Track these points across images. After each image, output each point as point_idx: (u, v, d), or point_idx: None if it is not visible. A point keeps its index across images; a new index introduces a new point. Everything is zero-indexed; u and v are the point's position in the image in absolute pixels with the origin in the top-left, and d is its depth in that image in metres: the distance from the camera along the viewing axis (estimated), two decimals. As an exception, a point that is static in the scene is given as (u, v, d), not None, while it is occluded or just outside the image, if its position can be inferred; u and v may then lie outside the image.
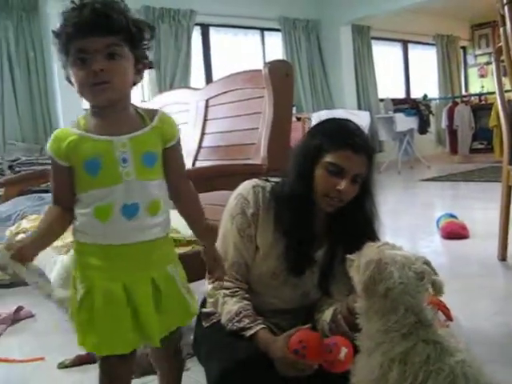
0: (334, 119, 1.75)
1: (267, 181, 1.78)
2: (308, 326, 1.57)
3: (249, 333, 1.60)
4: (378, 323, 1.31)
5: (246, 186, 1.76)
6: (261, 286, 1.75)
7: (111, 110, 1.34)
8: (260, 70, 2.43)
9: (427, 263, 1.36)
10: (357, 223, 1.67)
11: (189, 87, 4.34)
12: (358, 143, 1.59)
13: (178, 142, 1.45)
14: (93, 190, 1.33)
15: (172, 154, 1.43)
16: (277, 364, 1.50)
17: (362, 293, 1.35)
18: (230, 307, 1.66)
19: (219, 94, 2.89)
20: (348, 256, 1.47)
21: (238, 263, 1.72)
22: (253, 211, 1.71)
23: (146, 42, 1.38)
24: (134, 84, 1.39)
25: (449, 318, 2.31)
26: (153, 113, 1.41)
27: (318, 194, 1.63)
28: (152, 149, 1.37)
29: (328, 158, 1.60)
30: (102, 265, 1.35)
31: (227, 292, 1.69)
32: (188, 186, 1.48)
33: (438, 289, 1.35)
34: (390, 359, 1.26)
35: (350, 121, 1.70)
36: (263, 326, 1.62)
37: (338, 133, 1.64)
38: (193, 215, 1.49)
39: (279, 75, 2.38)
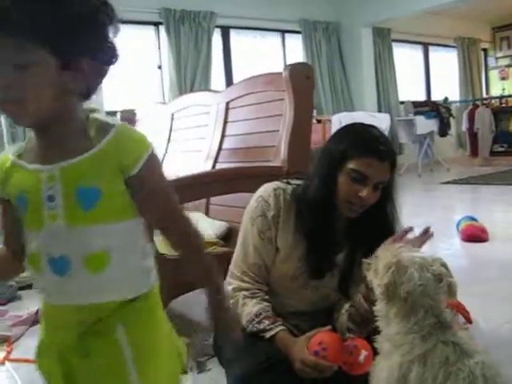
0: (358, 124, 1.75)
1: (288, 183, 1.79)
2: (328, 327, 1.58)
3: (269, 334, 1.61)
4: (398, 326, 1.32)
5: (266, 189, 1.76)
6: (280, 288, 1.75)
7: (43, 129, 1.00)
8: (280, 73, 2.43)
9: (444, 265, 1.36)
10: (377, 227, 1.68)
11: (209, 90, 4.37)
12: (383, 151, 1.60)
13: (152, 168, 1.02)
14: (26, 231, 1.03)
15: (141, 186, 1.01)
16: (296, 365, 1.51)
17: (382, 296, 1.35)
18: (250, 309, 1.66)
19: (240, 97, 2.91)
20: (364, 260, 1.48)
21: (258, 265, 1.72)
22: (273, 213, 1.71)
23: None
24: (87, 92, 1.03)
25: (468, 320, 2.31)
26: (106, 128, 0.99)
27: (340, 199, 1.64)
28: (92, 182, 0.97)
29: (352, 165, 1.59)
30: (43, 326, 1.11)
31: (247, 293, 1.69)
32: (179, 231, 1.11)
33: (452, 291, 1.35)
34: (409, 360, 1.26)
35: (375, 127, 1.70)
36: (283, 327, 1.63)
37: (363, 139, 1.63)
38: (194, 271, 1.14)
39: (300, 78, 2.39)
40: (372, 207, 1.65)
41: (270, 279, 1.75)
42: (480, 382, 1.19)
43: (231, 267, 1.79)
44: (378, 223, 1.68)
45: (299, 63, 2.77)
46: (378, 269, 1.38)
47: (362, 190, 1.59)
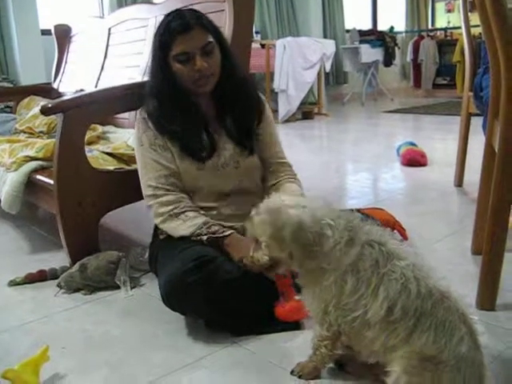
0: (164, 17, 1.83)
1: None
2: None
3: (223, 234, 1.69)
4: (313, 262, 1.28)
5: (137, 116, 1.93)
6: (200, 181, 1.84)
7: None
8: (221, -17, 2.33)
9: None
10: (234, 85, 1.85)
11: (148, 2, 4.16)
12: (183, 24, 1.72)
13: None
14: None
15: None
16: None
17: (272, 244, 1.31)
18: (196, 220, 1.73)
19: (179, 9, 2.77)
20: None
21: (164, 174, 1.80)
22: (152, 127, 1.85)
23: None
24: None
25: (404, 237, 2.35)
26: None
27: (187, 84, 1.79)
28: None
29: (173, 52, 1.74)
30: None
31: (177, 210, 1.76)
32: None
33: None
34: (342, 273, 1.24)
35: (174, 11, 1.82)
36: (233, 230, 1.73)
37: (166, 27, 1.75)
38: None
39: (240, -13, 2.29)
40: (222, 75, 1.81)
41: (187, 181, 1.83)
42: (413, 284, 1.19)
43: (144, 193, 1.85)
44: (233, 82, 1.85)
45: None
46: (255, 232, 1.34)
47: (194, 63, 1.73)
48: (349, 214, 1.33)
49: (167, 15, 1.81)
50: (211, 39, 1.76)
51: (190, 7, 2.04)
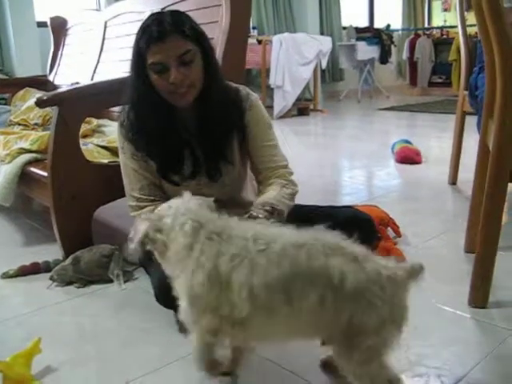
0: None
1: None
2: None
3: None
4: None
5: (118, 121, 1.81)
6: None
7: None
8: (218, -23, 2.33)
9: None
10: (217, 96, 1.68)
11: (145, -5, 4.15)
12: (158, 30, 1.54)
13: None
14: None
15: None
16: None
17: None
18: None
19: (175, 3, 2.76)
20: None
21: (146, 184, 1.75)
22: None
23: None
24: None
25: (397, 234, 2.35)
26: None
27: (166, 95, 1.63)
28: None
29: (149, 61, 1.58)
30: None
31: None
32: None
33: None
34: (190, 273, 1.20)
35: (154, 13, 1.64)
36: None
37: (141, 34, 1.59)
38: None
39: (237, -18, 2.28)
40: (205, 85, 1.65)
41: (172, 192, 1.73)
42: (260, 257, 1.15)
43: (128, 203, 1.80)
44: (214, 92, 1.68)
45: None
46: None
47: (170, 74, 1.57)
48: (210, 216, 1.27)
49: (147, 18, 1.63)
50: (191, 47, 1.58)
51: (176, 9, 1.96)
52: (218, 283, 1.16)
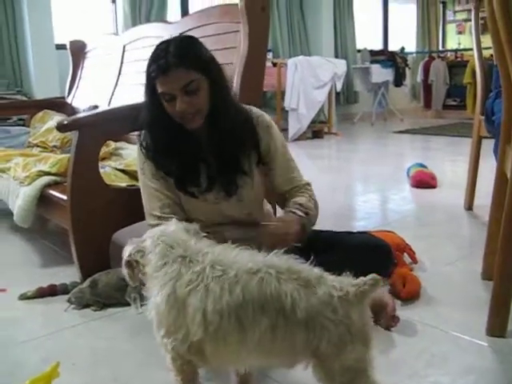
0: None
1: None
2: None
3: None
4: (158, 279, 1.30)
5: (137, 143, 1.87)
6: (201, 214, 1.81)
7: None
8: (236, 4, 2.36)
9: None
10: (225, 121, 1.74)
11: (163, 21, 4.22)
12: (161, 64, 1.63)
13: None
14: None
15: None
16: None
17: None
18: None
19: (194, 28, 2.80)
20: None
21: (167, 203, 1.79)
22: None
23: None
24: None
25: (414, 260, 2.34)
26: None
27: (177, 119, 1.71)
28: None
29: (158, 90, 1.67)
30: None
31: None
32: None
33: None
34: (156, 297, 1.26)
35: (163, 41, 1.72)
36: None
37: (151, 62, 1.68)
38: None
39: (255, 9, 2.32)
40: (213, 107, 1.72)
41: (192, 211, 1.81)
42: (214, 283, 1.19)
43: (147, 223, 1.84)
44: (223, 119, 1.74)
45: (255, -6, 2.69)
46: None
47: (175, 104, 1.66)
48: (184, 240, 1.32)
49: (156, 47, 1.71)
50: (194, 77, 1.65)
51: (193, 34, 2.02)
52: (176, 306, 1.21)
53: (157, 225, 1.74)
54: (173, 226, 1.36)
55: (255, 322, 1.14)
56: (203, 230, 1.67)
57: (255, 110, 1.89)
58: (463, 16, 11.69)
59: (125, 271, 1.35)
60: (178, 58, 1.63)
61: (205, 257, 1.25)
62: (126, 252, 1.35)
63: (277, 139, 1.88)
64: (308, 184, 1.93)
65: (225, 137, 1.76)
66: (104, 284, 2.04)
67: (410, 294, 2.02)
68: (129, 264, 1.34)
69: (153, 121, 1.76)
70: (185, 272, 1.22)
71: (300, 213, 1.77)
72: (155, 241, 1.31)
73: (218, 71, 1.76)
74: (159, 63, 1.63)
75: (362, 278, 1.16)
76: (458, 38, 11.57)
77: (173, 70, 1.62)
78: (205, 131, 1.76)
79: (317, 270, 1.20)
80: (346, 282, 1.16)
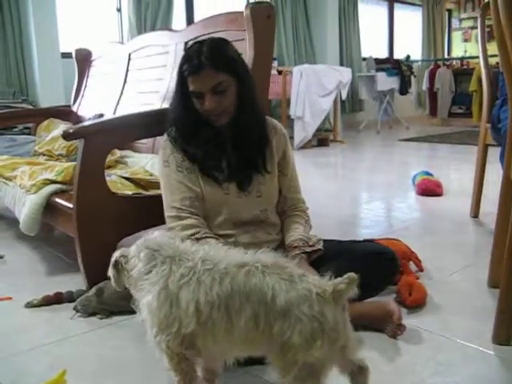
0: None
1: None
2: None
3: None
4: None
5: (164, 138, 1.96)
6: (224, 206, 1.87)
7: None
8: (242, 12, 2.37)
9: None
10: (249, 122, 1.86)
11: (169, 29, 4.24)
12: (194, 64, 1.75)
13: None
14: None
15: None
16: None
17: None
18: None
19: (199, 36, 2.81)
20: None
21: (188, 197, 1.83)
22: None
23: None
24: None
25: (420, 268, 2.34)
26: None
27: (204, 115, 1.82)
28: None
29: (189, 87, 1.78)
30: None
31: (198, 235, 1.76)
32: None
33: None
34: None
35: (196, 42, 1.85)
36: None
37: (184, 61, 1.80)
38: None
39: (261, 17, 2.32)
40: (239, 110, 1.82)
41: (211, 207, 1.87)
42: (205, 275, 1.26)
43: (166, 214, 1.87)
44: (244, 117, 1.84)
45: (260, 2, 2.68)
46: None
47: (204, 102, 1.77)
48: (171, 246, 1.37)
49: (190, 46, 1.86)
50: (224, 78, 1.77)
51: (215, 36, 2.07)
52: (168, 301, 1.26)
53: (175, 216, 1.81)
54: (156, 233, 1.41)
55: (241, 312, 1.20)
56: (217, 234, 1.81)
57: (269, 118, 2.02)
58: (469, 24, 11.72)
59: (111, 272, 1.40)
60: (210, 60, 1.74)
61: (195, 254, 1.32)
62: (113, 256, 1.40)
63: (290, 149, 2.04)
64: (303, 202, 2.05)
65: (247, 136, 1.86)
66: (110, 292, 2.03)
67: (416, 301, 2.01)
68: (115, 266, 1.39)
69: (182, 113, 1.86)
70: (176, 269, 1.29)
71: (308, 249, 1.85)
72: (139, 247, 1.37)
73: (246, 74, 1.86)
74: (192, 63, 1.75)
75: (338, 278, 1.21)
76: (464, 46, 11.60)
77: (204, 71, 1.74)
78: (229, 130, 1.86)
79: (300, 270, 1.28)
80: (325, 281, 1.22)
